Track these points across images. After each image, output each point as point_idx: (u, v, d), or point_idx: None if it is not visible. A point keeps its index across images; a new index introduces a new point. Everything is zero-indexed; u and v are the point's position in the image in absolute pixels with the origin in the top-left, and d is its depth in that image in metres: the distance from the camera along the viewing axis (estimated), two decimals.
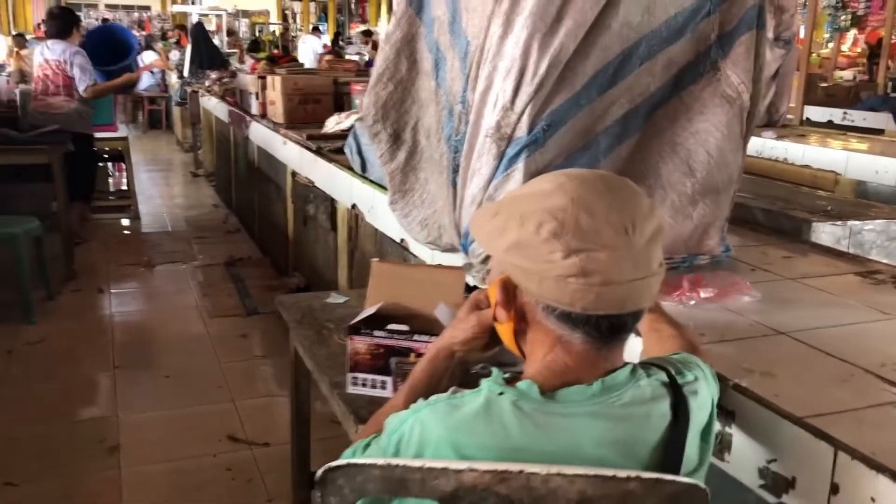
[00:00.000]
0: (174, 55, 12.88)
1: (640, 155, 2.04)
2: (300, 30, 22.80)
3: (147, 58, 11.01)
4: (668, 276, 1.89)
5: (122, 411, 3.51)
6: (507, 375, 1.10)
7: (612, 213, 1.07)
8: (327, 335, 2.09)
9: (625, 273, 1.06)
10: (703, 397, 1.17)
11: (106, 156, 7.14)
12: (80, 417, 3.49)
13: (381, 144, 2.35)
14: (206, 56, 10.54)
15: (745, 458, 1.35)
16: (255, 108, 5.64)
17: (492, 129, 1.89)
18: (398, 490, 1.00)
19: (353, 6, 27.43)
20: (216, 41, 12.89)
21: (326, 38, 17.68)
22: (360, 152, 3.24)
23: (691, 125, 2.05)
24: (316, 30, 18.52)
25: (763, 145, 4.86)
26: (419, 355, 1.66)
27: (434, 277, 1.88)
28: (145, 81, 11.49)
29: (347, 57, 11.37)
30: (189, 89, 9.61)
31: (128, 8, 26.54)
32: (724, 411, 1.38)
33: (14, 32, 15.59)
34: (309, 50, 14.52)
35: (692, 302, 1.84)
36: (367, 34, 17.67)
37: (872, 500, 1.12)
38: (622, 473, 0.97)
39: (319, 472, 1.05)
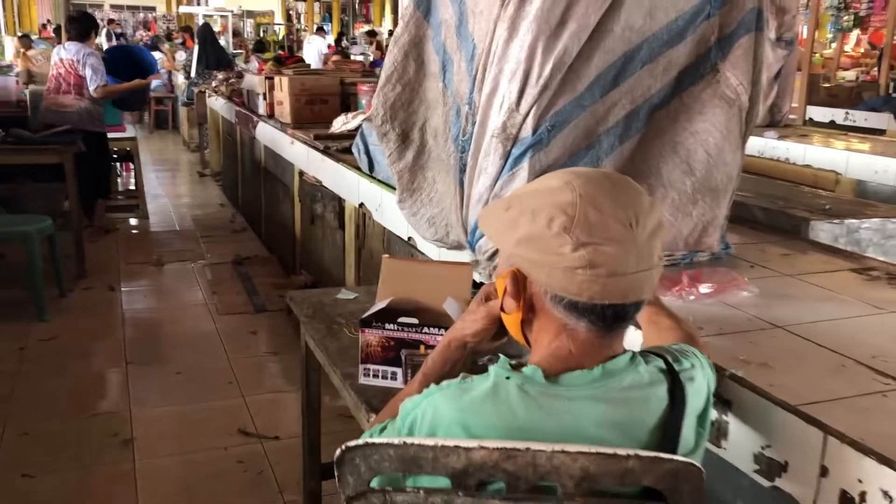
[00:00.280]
0: (180, 56, 12.95)
1: (642, 154, 2.10)
2: (304, 30, 22.87)
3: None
4: (668, 272, 1.97)
5: (135, 406, 3.59)
6: (513, 362, 1.16)
7: (617, 209, 1.13)
8: (338, 329, 2.15)
9: (629, 265, 1.12)
10: (700, 383, 1.24)
11: (115, 156, 7.23)
12: (93, 412, 3.56)
13: (389, 144, 2.41)
14: (213, 57, 10.64)
15: (741, 444, 1.41)
16: (262, 108, 5.70)
17: (498, 129, 1.96)
18: (412, 468, 1.06)
19: (357, 6, 27.49)
20: (222, 42, 12.98)
21: (331, 39, 17.75)
22: (367, 152, 3.31)
23: (691, 125, 2.11)
24: (321, 30, 18.60)
25: (765, 145, 4.91)
26: (428, 347, 1.73)
27: (442, 273, 1.94)
28: (152, 82, 11.62)
29: (352, 57, 11.45)
30: (196, 90, 9.68)
31: (133, 8, 26.63)
32: (722, 400, 1.44)
33: (20, 33, 15.68)
34: (314, 50, 14.59)
35: (692, 297, 1.90)
36: (372, 34, 17.73)
37: (859, 481, 1.18)
38: (622, 451, 1.03)
39: (338, 452, 1.11)
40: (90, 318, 4.70)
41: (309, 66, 7.35)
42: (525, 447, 1.01)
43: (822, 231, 2.63)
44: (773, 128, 5.34)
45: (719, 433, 1.45)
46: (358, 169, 3.46)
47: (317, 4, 26.07)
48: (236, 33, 17.92)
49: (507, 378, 1.12)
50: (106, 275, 5.48)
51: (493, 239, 1.31)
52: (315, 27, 20.00)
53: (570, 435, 1.07)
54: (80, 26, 6.20)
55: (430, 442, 1.05)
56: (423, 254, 2.78)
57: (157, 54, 11.36)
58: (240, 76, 7.52)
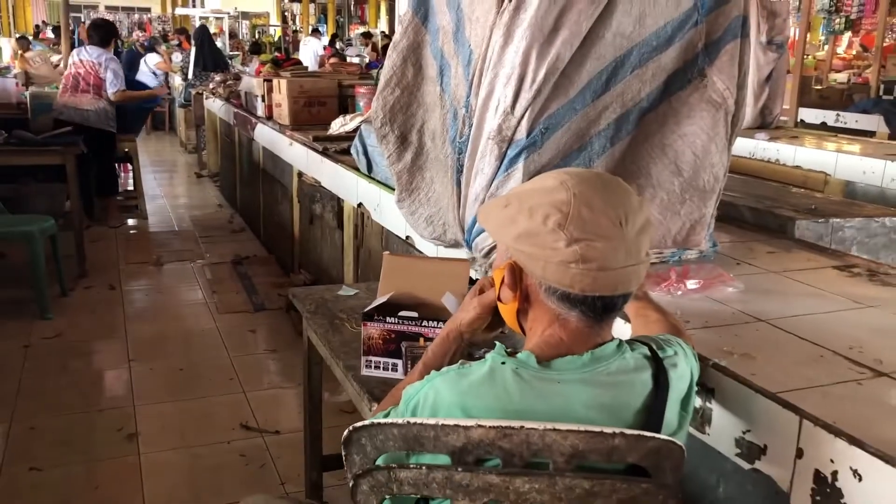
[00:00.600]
0: (176, 57, 12.99)
1: (632, 156, 2.18)
2: (300, 31, 22.91)
3: (151, 60, 11.10)
4: (657, 269, 2.06)
5: (139, 401, 3.66)
6: (508, 349, 1.25)
7: (608, 208, 1.22)
8: (340, 324, 2.23)
9: (618, 260, 1.21)
10: (683, 369, 1.32)
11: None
12: (98, 407, 3.62)
13: (388, 146, 2.49)
14: (210, 59, 10.69)
15: (724, 430, 1.50)
16: (260, 110, 5.76)
17: (493, 131, 2.03)
18: (414, 446, 1.15)
19: (352, 8, 27.54)
20: (219, 44, 13.02)
21: (326, 40, 17.81)
22: (366, 153, 3.38)
23: (679, 128, 2.18)
24: (316, 31, 18.64)
25: (756, 146, 5.00)
26: (428, 340, 1.81)
27: (441, 269, 2.02)
28: (149, 83, 11.65)
29: (348, 59, 11.51)
30: (193, 91, 9.73)
31: (128, 9, 26.66)
32: (705, 388, 1.52)
33: (17, 35, 15.72)
34: (310, 52, 14.65)
35: (679, 292, 1.98)
36: (367, 36, 17.80)
37: (832, 461, 1.26)
38: (608, 430, 1.12)
39: (345, 433, 1.20)
40: (92, 317, 4.76)
41: (306, 68, 7.40)
42: (519, 426, 1.10)
43: (808, 230, 2.71)
44: (764, 129, 5.42)
45: (703, 419, 1.54)
46: (356, 169, 3.53)
47: (312, 6, 26.13)
48: (233, 35, 17.96)
49: (503, 363, 1.21)
50: (106, 274, 5.55)
51: (493, 233, 1.39)
52: (310, 28, 20.06)
53: (561, 416, 1.15)
54: (103, 33, 6.76)
55: (431, 421, 1.13)
56: (420, 252, 2.85)
57: (153, 56, 11.37)
58: (237, 78, 7.58)
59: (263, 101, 5.67)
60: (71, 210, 5.59)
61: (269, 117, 5.56)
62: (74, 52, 6.76)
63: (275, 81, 5.47)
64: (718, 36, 2.17)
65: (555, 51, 1.95)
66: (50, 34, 17.42)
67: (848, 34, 11.36)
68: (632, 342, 1.31)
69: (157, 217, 7.46)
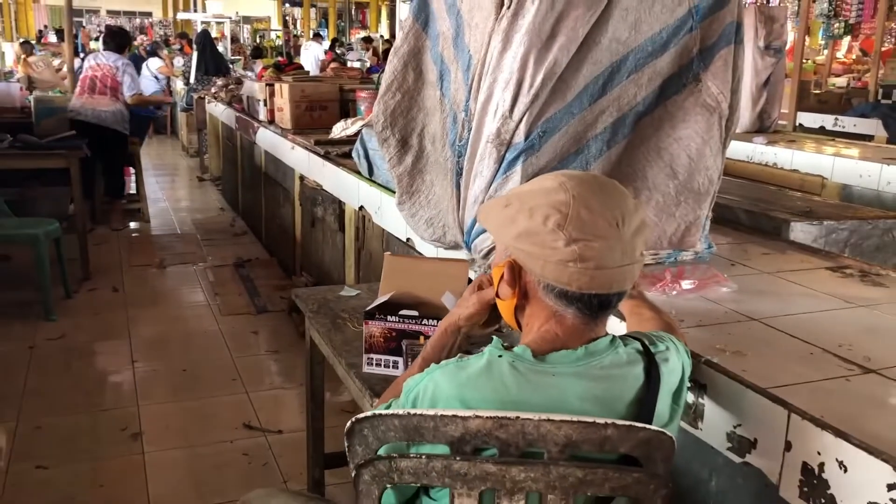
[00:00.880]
0: (178, 62, 13.05)
1: (628, 159, 2.22)
2: (301, 35, 22.98)
3: (153, 64, 11.17)
4: (653, 269, 2.10)
5: (143, 401, 3.70)
6: (505, 343, 1.29)
7: (605, 209, 1.27)
8: (342, 323, 2.27)
9: (614, 260, 1.25)
10: (674, 364, 1.37)
11: None
12: (102, 407, 3.67)
13: (389, 149, 2.53)
14: (212, 63, 10.74)
15: (716, 424, 1.54)
16: (262, 114, 5.81)
17: (492, 135, 2.07)
18: (414, 436, 1.19)
19: (353, 12, 27.62)
20: (221, 48, 13.07)
21: (327, 44, 17.87)
22: (367, 157, 3.42)
23: (674, 132, 2.22)
24: (318, 36, 18.72)
25: (754, 150, 5.05)
26: (427, 338, 1.86)
27: (441, 269, 2.06)
28: (150, 88, 11.73)
29: (349, 63, 11.56)
30: (195, 95, 9.78)
31: (129, 14, 26.73)
32: (698, 385, 1.56)
33: (20, 39, 15.78)
34: (311, 56, 14.72)
35: (674, 292, 2.01)
36: (368, 40, 17.86)
37: (818, 453, 1.30)
38: (601, 421, 1.16)
39: (348, 424, 1.24)
40: (96, 318, 4.81)
41: (308, 72, 7.46)
42: (515, 416, 1.14)
43: (802, 232, 2.74)
44: (762, 133, 5.46)
45: (696, 415, 1.58)
46: (358, 173, 3.57)
47: (313, 10, 26.21)
48: (234, 39, 18.01)
49: (500, 356, 1.25)
50: (110, 276, 5.60)
51: (493, 232, 1.44)
52: (312, 33, 20.12)
53: (556, 407, 1.20)
54: (119, 40, 7.15)
55: (430, 412, 1.18)
56: (421, 254, 2.89)
57: (155, 60, 11.43)
58: (239, 82, 7.62)
59: (265, 105, 5.71)
60: (75, 213, 5.64)
61: (271, 121, 5.61)
62: (90, 56, 7.08)
63: (277, 86, 5.51)
64: (713, 41, 2.21)
65: (552, 56, 1.99)
66: (53, 38, 17.50)
67: (847, 38, 11.41)
68: (625, 338, 1.36)
69: (159, 220, 7.51)
